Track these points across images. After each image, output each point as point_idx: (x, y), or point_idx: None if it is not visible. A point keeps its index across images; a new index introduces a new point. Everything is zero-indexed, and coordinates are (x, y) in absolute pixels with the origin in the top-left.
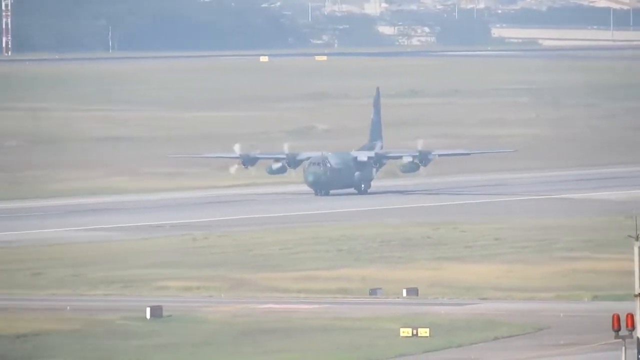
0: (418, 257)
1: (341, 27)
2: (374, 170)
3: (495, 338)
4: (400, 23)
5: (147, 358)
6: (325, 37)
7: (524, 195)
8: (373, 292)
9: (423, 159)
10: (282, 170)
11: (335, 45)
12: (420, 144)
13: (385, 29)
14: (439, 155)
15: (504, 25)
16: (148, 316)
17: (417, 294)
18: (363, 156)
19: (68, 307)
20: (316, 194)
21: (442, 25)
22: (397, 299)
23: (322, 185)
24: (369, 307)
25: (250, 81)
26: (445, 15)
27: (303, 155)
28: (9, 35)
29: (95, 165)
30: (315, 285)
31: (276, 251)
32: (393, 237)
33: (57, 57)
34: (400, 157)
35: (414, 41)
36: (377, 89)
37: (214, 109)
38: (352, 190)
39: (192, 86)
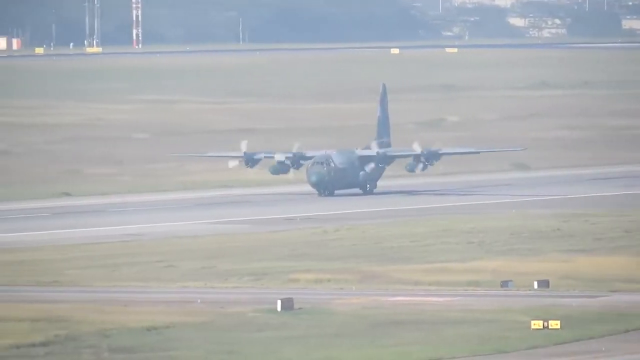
0: (548, 250)
1: (472, 19)
2: (380, 169)
3: (626, 330)
4: (531, 15)
5: (277, 350)
6: (455, 29)
7: None
8: (504, 284)
9: (430, 157)
10: (285, 169)
11: (466, 37)
12: (417, 145)
13: (516, 21)
14: (446, 153)
15: (634, 16)
16: (279, 309)
17: (548, 286)
18: (369, 162)
19: (199, 300)
20: (320, 195)
21: (573, 17)
22: (528, 291)
23: (326, 186)
24: (499, 299)
25: (381, 73)
26: (576, 7)
27: (308, 154)
28: (139, 28)
29: (224, 158)
30: (446, 277)
31: (406, 243)
32: (523, 230)
33: (187, 49)
34: (406, 155)
35: (545, 33)
36: (383, 85)
37: (344, 101)
38: (357, 190)
39: (321, 78)
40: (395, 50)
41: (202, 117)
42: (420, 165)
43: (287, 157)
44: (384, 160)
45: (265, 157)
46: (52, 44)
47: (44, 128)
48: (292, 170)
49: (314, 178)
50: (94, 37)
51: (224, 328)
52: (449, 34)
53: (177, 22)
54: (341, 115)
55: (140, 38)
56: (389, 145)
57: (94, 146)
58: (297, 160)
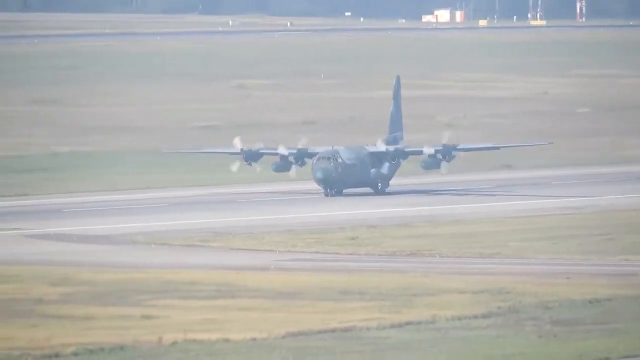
0: None
1: None
2: (394, 166)
3: None
4: None
5: None
6: None
7: None
8: None
9: (447, 153)
10: (284, 167)
11: None
12: (445, 137)
13: None
14: (465, 149)
15: None
16: None
17: None
18: (381, 148)
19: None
20: (326, 194)
21: None
22: None
23: (333, 183)
24: None
25: None
26: None
27: (313, 150)
28: (583, 1)
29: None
30: None
31: None
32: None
33: (630, 23)
34: (421, 151)
35: None
36: (397, 77)
37: None
38: (368, 189)
39: None
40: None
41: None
42: (438, 162)
43: (290, 154)
44: (398, 157)
45: (264, 153)
46: (495, 17)
47: (487, 101)
48: (293, 167)
49: (319, 174)
50: (538, 9)
51: None
52: None
53: None
54: None
55: (583, 11)
56: (401, 140)
57: (539, 120)
58: (301, 157)
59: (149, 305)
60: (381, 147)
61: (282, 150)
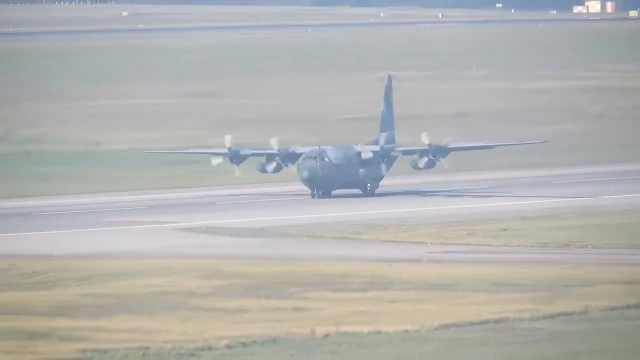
0: None
1: None
2: (384, 167)
3: None
4: None
5: None
6: None
7: None
8: None
9: (438, 152)
10: (277, 168)
11: None
12: (426, 137)
13: None
14: (456, 148)
15: None
16: None
17: None
18: (367, 153)
19: None
20: (313, 195)
21: None
22: None
23: (319, 183)
24: None
25: None
26: None
27: (299, 150)
28: None
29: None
30: None
31: None
32: None
33: None
34: (412, 151)
35: None
36: (389, 76)
37: None
38: (356, 191)
39: None
40: None
41: None
42: (426, 161)
43: (275, 154)
44: (387, 157)
45: (252, 153)
46: None
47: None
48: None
49: (305, 174)
50: None
51: None
52: None
53: None
54: None
55: None
56: (393, 140)
57: None
58: (286, 158)
59: (301, 298)
60: (370, 147)
61: (271, 150)
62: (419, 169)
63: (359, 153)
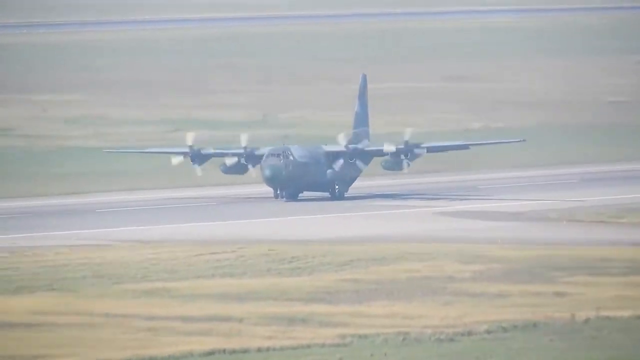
0: None
1: None
2: (359, 167)
3: None
4: None
5: None
6: None
7: None
8: None
9: (409, 152)
10: (240, 168)
11: None
12: (408, 134)
13: None
14: (431, 147)
15: None
16: None
17: None
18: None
19: None
20: (276, 196)
21: None
22: None
23: (283, 183)
24: None
25: None
26: None
27: (263, 149)
28: None
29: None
30: None
31: None
32: None
33: None
34: (381, 151)
35: None
36: (363, 75)
37: None
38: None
39: None
40: None
41: None
42: (401, 162)
43: (241, 154)
44: (357, 156)
45: (214, 153)
46: None
47: None
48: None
49: (267, 172)
50: None
51: None
52: None
53: None
54: None
55: None
56: (367, 136)
57: None
58: (251, 157)
59: (561, 282)
60: (339, 145)
61: (235, 150)
62: (389, 170)
63: (327, 153)
